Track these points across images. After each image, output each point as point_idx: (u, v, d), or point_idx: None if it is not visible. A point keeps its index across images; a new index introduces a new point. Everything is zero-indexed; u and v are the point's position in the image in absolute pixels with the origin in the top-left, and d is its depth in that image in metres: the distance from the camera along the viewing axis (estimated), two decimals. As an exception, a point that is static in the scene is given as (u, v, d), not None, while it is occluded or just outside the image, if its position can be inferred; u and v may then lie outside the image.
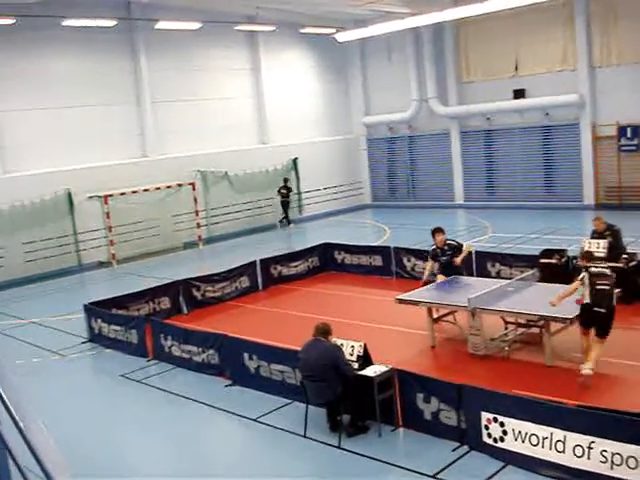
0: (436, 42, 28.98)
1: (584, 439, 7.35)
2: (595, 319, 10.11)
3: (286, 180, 28.61)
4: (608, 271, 10.37)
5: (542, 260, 14.91)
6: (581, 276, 10.27)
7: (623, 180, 25.22)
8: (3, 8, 20.46)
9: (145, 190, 24.09)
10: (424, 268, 14.46)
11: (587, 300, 10.13)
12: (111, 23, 23.07)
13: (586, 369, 9.86)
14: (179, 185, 25.20)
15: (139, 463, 9.09)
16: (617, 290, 10.47)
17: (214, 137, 27.07)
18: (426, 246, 19.08)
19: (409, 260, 17.55)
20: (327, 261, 19.33)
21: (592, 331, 10.29)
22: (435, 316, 12.45)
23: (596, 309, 10.03)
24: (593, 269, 10.28)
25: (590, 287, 10.14)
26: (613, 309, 10.14)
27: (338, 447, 8.76)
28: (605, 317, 10.06)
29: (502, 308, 11.29)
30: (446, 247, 13.82)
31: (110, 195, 23.22)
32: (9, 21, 20.83)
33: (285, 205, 28.47)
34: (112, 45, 24.51)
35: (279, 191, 28.33)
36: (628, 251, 14.50)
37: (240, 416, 10.05)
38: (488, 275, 15.71)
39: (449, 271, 13.76)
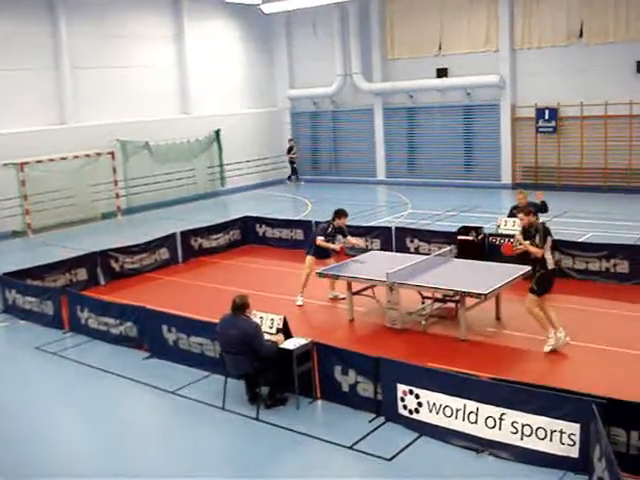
0: (362, 18, 29.00)
1: (496, 410, 7.61)
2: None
3: (291, 140, 31.78)
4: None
5: (460, 237, 15.23)
6: (549, 242, 10.42)
7: (540, 161, 25.90)
8: None
9: (63, 158, 23.45)
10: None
11: (553, 266, 10.57)
12: (28, -16, 22.29)
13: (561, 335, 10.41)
14: (98, 154, 24.63)
15: (52, 437, 8.94)
16: None
17: (135, 106, 26.49)
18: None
19: (331, 235, 17.62)
20: (248, 234, 19.28)
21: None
22: (354, 290, 12.57)
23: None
24: (550, 234, 10.50)
25: (551, 253, 10.58)
26: None
27: (256, 419, 8.82)
28: None
29: (419, 283, 11.50)
30: (339, 229, 13.79)
31: (26, 163, 22.52)
32: None
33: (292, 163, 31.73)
34: (30, 7, 23.63)
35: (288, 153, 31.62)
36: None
37: (158, 389, 10.00)
38: (407, 250, 15.97)
39: (325, 250, 13.64)
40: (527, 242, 10.36)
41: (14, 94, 23.15)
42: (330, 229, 13.69)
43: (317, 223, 17.84)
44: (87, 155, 24.30)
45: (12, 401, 9.98)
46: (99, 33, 25.41)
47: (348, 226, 15.94)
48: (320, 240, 13.47)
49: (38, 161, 22.83)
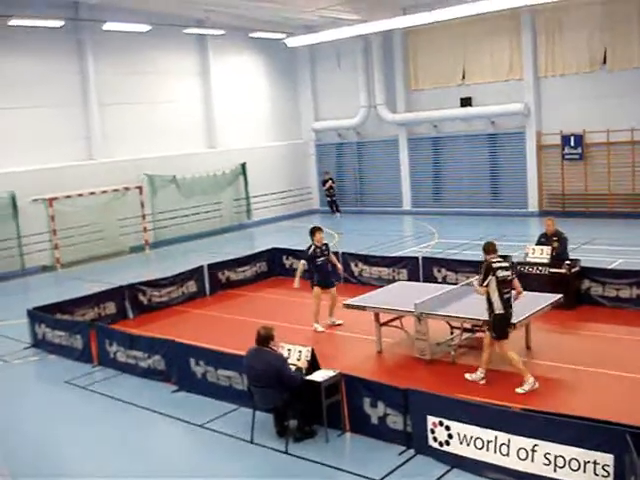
0: (385, 50, 29.24)
1: (528, 442, 7.48)
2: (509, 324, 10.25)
3: (327, 172, 31.27)
4: (510, 274, 10.17)
5: (487, 266, 15.11)
6: (487, 281, 10.04)
7: (566, 188, 25.76)
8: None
9: (91, 193, 23.75)
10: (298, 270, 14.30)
11: (500, 311, 10.07)
12: (58, 23, 22.72)
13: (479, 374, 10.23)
14: (126, 189, 24.90)
15: (83, 469, 8.93)
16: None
17: (162, 140, 26.81)
18: (374, 251, 19.28)
19: (357, 265, 17.62)
20: (275, 266, 19.28)
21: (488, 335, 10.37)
22: (382, 321, 12.51)
23: (511, 312, 10.16)
24: (500, 273, 10.02)
25: (499, 295, 10.05)
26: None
27: (285, 452, 8.75)
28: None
29: (448, 313, 11.42)
30: (324, 246, 14.15)
31: (55, 198, 22.82)
32: (-48, 19, 20.42)
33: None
34: (59, 46, 24.13)
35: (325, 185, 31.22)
36: (571, 257, 14.80)
37: (186, 422, 9.97)
38: (434, 280, 15.89)
39: (326, 275, 14.06)
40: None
41: (44, 130, 23.54)
42: (312, 250, 14.00)
43: (343, 255, 17.87)
44: (115, 190, 24.57)
45: (42, 435, 10.00)
46: (125, 70, 25.82)
47: (375, 256, 16.18)
48: (301, 264, 14.07)
49: (67, 196, 23.11)
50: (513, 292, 10.22)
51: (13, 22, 21.57)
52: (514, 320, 10.44)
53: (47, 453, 9.40)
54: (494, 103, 26.56)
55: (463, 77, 27.61)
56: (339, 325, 14.02)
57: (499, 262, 10.11)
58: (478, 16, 24.40)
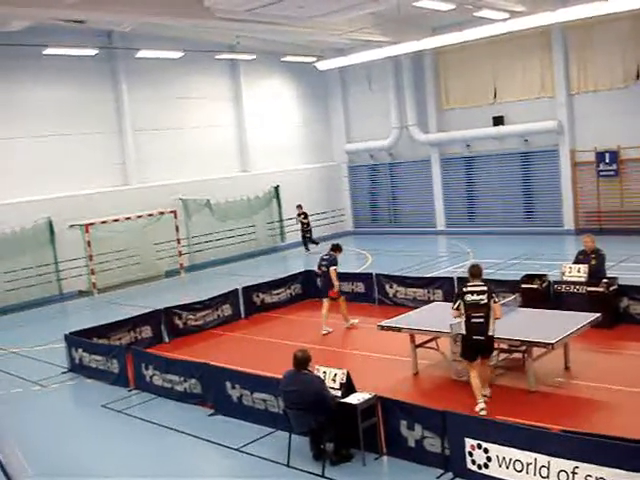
0: (416, 70, 29.30)
1: (568, 464, 7.33)
2: (478, 347, 10.06)
3: (300, 206, 28.94)
4: (484, 298, 9.95)
5: (523, 285, 14.97)
6: (456, 304, 10.15)
7: (602, 205, 25.47)
8: (-17, 37, 20.50)
9: (127, 218, 24.03)
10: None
11: (462, 331, 10.15)
12: (92, 52, 23.14)
13: (481, 404, 9.91)
14: (161, 213, 25.15)
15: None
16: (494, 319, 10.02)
17: (195, 165, 27.09)
18: (408, 272, 19.20)
19: (391, 287, 17.54)
20: (309, 288, 19.25)
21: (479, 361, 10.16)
22: (417, 342, 12.43)
23: (475, 337, 9.97)
24: (468, 297, 10.00)
25: (465, 318, 10.05)
26: (492, 336, 10.03)
27: (322, 476, 8.69)
28: (486, 342, 10.04)
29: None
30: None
31: (91, 224, 23.12)
32: (-10, 50, 20.88)
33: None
34: (93, 74, 24.56)
35: (302, 220, 28.83)
36: (608, 275, 14.59)
37: (223, 446, 9.96)
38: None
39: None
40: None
41: (80, 157, 23.92)
42: (337, 260, 15.69)
43: (377, 276, 17.81)
44: (150, 214, 24.83)
45: (80, 459, 10.04)
46: (159, 96, 26.19)
47: (410, 277, 16.50)
48: (334, 269, 15.42)
49: (103, 222, 23.40)
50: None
51: (48, 51, 22.00)
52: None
53: (84, 476, 9.44)
54: (526, 121, 26.41)
55: (495, 96, 27.54)
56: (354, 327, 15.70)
57: (473, 287, 10.08)
58: (508, 34, 24.33)
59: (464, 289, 10.16)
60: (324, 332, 15.39)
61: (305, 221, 28.56)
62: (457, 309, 10.14)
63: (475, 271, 10.29)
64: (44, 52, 21.97)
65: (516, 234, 26.79)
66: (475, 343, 10.01)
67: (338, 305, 15.77)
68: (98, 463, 9.91)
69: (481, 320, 9.90)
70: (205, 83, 28.00)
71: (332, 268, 15.46)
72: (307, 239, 28.50)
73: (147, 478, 9.43)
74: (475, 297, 9.97)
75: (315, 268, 16.60)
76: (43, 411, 12.33)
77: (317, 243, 28.10)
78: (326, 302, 15.71)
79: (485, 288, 10.03)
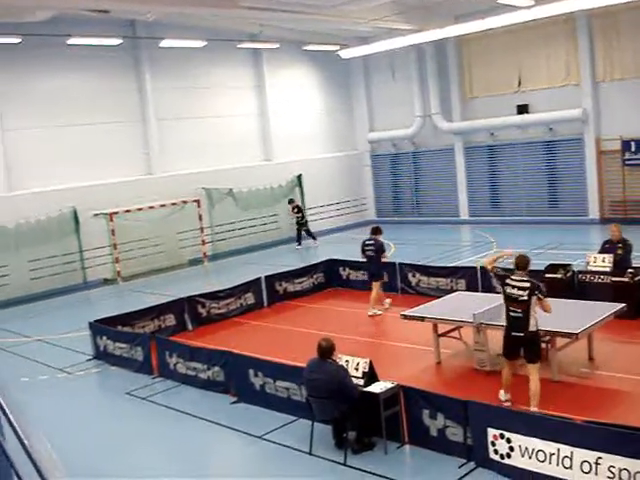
0: (439, 58, 29.13)
1: (591, 455, 7.30)
2: (518, 344, 9.61)
3: (291, 201, 28.16)
4: (524, 295, 9.44)
5: (547, 275, 14.87)
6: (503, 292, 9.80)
7: (628, 194, 25.21)
8: (9, 27, 20.65)
9: (150, 207, 24.16)
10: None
11: (505, 323, 9.80)
12: (116, 42, 23.22)
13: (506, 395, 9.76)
14: (184, 202, 25.27)
15: (143, 479, 9.06)
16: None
17: (218, 154, 27.15)
18: (431, 261, 19.16)
19: (414, 276, 17.51)
20: (332, 277, 19.29)
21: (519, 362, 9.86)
22: (440, 332, 12.41)
23: (514, 334, 9.55)
24: (508, 289, 9.61)
25: (505, 309, 9.74)
26: (533, 334, 9.50)
27: (344, 464, 8.72)
28: (527, 340, 9.51)
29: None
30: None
31: (115, 212, 23.28)
32: (15, 40, 21.01)
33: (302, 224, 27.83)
34: (117, 63, 24.68)
35: (295, 213, 27.82)
36: (634, 265, 14.46)
37: (245, 433, 10.02)
38: (493, 290, 15.62)
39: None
40: None
41: (104, 147, 24.07)
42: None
43: (400, 265, 17.78)
44: (173, 204, 24.95)
45: (103, 446, 10.15)
46: (182, 86, 26.26)
47: (433, 266, 16.60)
48: (386, 255, 16.06)
49: (127, 210, 23.56)
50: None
51: (72, 41, 22.10)
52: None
53: (107, 462, 9.54)
54: (551, 109, 26.17)
55: (519, 84, 27.30)
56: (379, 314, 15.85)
57: (515, 280, 9.60)
58: (532, 22, 24.06)
59: (507, 279, 9.72)
60: (370, 313, 15.77)
61: (299, 215, 27.66)
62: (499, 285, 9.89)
63: (519, 263, 9.79)
64: (68, 42, 22.07)
65: (540, 223, 26.62)
66: (514, 340, 9.55)
67: (378, 286, 16.20)
68: (121, 449, 10.01)
69: (519, 314, 9.45)
70: (228, 72, 28.03)
71: (385, 254, 16.19)
72: (305, 232, 27.59)
73: (171, 465, 9.52)
74: (515, 291, 9.51)
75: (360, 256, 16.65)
76: (69, 398, 12.48)
77: (315, 238, 27.60)
78: (375, 285, 16.04)
79: (527, 284, 9.46)
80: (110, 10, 20.85)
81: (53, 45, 22.30)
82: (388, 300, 16.37)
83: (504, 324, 9.81)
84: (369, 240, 16.14)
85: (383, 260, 16.14)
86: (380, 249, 15.99)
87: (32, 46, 21.84)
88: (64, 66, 23.36)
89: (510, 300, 9.55)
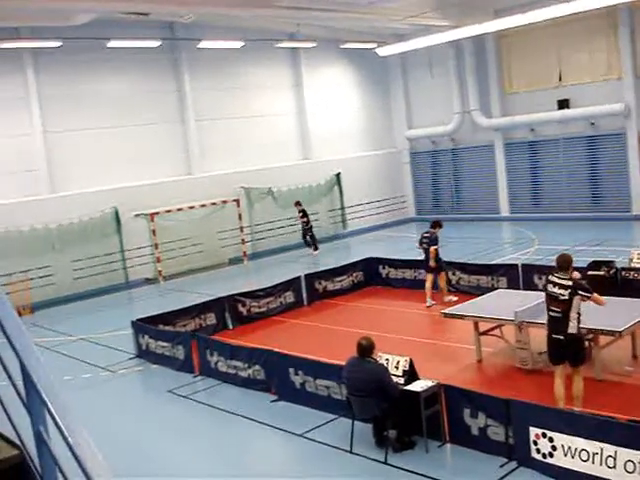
0: (478, 54, 28.89)
1: (636, 454, 7.19)
2: (559, 348, 9.22)
3: (298, 203, 26.37)
4: (565, 294, 9.04)
5: (590, 272, 14.65)
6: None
7: (672, 189, 24.77)
8: (50, 31, 20.97)
9: (190, 207, 24.37)
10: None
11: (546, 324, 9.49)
12: (155, 44, 23.46)
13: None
14: (224, 202, 25.43)
15: (184, 477, 9.12)
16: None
17: (257, 154, 27.27)
18: (472, 259, 19.03)
19: (454, 274, 17.39)
20: (371, 276, 19.27)
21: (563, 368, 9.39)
22: (481, 330, 12.32)
23: (554, 336, 9.18)
24: (549, 287, 9.27)
25: (546, 309, 9.40)
26: (574, 336, 9.08)
27: (385, 463, 8.71)
28: (568, 343, 9.11)
29: (549, 321, 11.11)
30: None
31: (156, 213, 23.53)
32: (56, 44, 21.34)
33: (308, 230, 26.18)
34: (156, 65, 24.94)
35: (302, 217, 26.15)
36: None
37: (286, 431, 10.06)
38: (535, 288, 15.49)
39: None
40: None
41: (144, 148, 24.36)
42: (437, 237, 16.31)
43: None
44: (213, 203, 25.12)
45: (146, 444, 10.28)
46: (220, 86, 26.43)
47: (473, 264, 16.58)
48: (434, 249, 15.99)
49: (167, 211, 23.79)
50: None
51: (112, 44, 22.38)
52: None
53: (148, 460, 9.65)
54: (593, 104, 25.79)
55: (559, 78, 26.97)
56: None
57: (556, 278, 9.24)
58: (573, 16, 23.74)
59: (549, 277, 9.44)
60: (428, 305, 16.05)
61: (304, 219, 25.98)
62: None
63: (560, 261, 9.43)
64: (108, 45, 22.35)
65: (582, 220, 26.24)
66: (555, 342, 9.21)
67: (441, 279, 16.56)
68: (162, 447, 10.12)
69: (558, 315, 9.11)
70: (266, 72, 28.12)
71: (432, 248, 16.11)
72: (311, 238, 25.92)
73: (212, 463, 9.59)
74: (555, 290, 9.16)
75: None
76: (111, 396, 12.65)
77: (317, 248, 25.79)
78: (429, 276, 16.36)
79: (569, 283, 9.10)
80: (149, 13, 21.06)
81: (93, 48, 22.60)
82: (450, 297, 16.22)
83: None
84: (426, 233, 16.52)
85: (432, 254, 16.19)
86: (432, 242, 16.18)
87: (73, 50, 22.18)
88: (104, 69, 23.67)
89: (551, 299, 9.26)
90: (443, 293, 16.40)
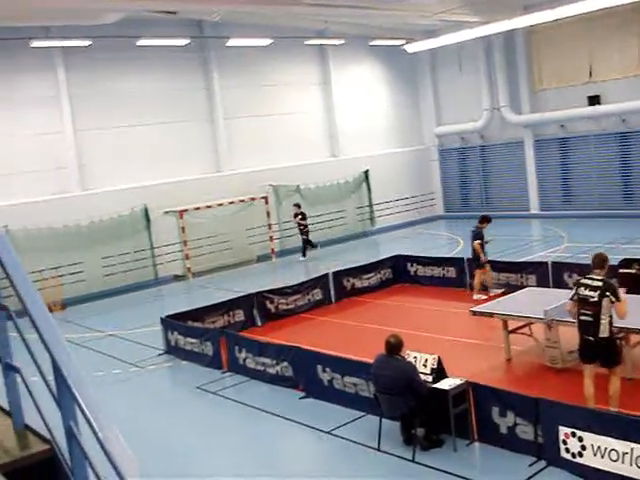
0: (507, 50, 28.67)
1: (667, 455, 7.13)
2: (590, 349, 9.10)
3: (297, 205, 25.66)
4: (594, 295, 8.88)
5: (621, 270, 14.47)
6: (572, 295, 9.33)
7: None
8: (80, 30, 21.18)
9: (219, 205, 24.48)
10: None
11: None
12: (184, 42, 23.58)
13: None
14: (252, 199, 25.51)
15: (211, 473, 9.18)
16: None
17: (285, 151, 27.31)
18: (501, 256, 18.89)
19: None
20: (400, 273, 19.21)
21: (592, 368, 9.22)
22: (510, 328, 12.24)
23: (586, 337, 9.05)
24: (581, 290, 9.09)
25: (577, 313, 9.23)
26: (606, 339, 8.91)
27: (412, 461, 8.69)
28: (599, 346, 8.96)
29: (579, 319, 11.01)
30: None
31: (185, 210, 23.67)
32: (86, 43, 21.53)
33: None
34: (185, 63, 25.07)
35: (298, 220, 25.28)
36: None
37: (313, 428, 10.08)
38: (565, 286, 15.34)
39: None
40: None
41: (173, 146, 24.50)
42: (481, 232, 16.48)
43: (469, 261, 17.65)
44: (242, 201, 25.22)
45: (175, 439, 10.35)
46: (249, 84, 26.50)
47: (502, 262, 16.58)
48: (477, 243, 16.18)
49: (196, 208, 23.92)
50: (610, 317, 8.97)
51: (141, 42, 22.55)
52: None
53: (177, 455, 9.72)
54: (624, 100, 25.46)
55: (590, 74, 26.66)
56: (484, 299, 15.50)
57: (588, 279, 9.10)
58: (604, 10, 23.46)
59: (581, 280, 9.27)
60: (476, 297, 16.03)
61: (303, 222, 25.17)
62: (572, 299, 9.31)
63: (595, 261, 9.23)
64: (137, 43, 22.52)
65: (614, 217, 25.93)
66: (587, 343, 9.09)
67: (477, 276, 16.59)
68: (191, 443, 10.16)
69: (589, 318, 8.96)
70: (294, 69, 28.15)
71: (475, 242, 16.35)
72: (304, 242, 25.12)
73: (240, 459, 9.63)
74: (586, 292, 8.99)
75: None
76: (141, 392, 12.77)
77: (316, 247, 25.24)
78: (477, 272, 16.51)
79: (600, 284, 8.91)
80: (178, 11, 21.18)
81: (123, 47, 22.78)
82: (481, 296, 16.16)
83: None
84: (473, 227, 16.83)
85: (475, 248, 16.38)
86: (474, 237, 16.40)
87: (103, 48, 22.37)
88: (134, 67, 23.86)
89: (581, 302, 9.10)
90: (475, 290, 16.41)
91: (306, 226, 25.23)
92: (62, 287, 21.10)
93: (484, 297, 15.85)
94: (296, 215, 25.24)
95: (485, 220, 16.77)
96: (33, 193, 21.48)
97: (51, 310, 18.70)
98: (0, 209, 20.36)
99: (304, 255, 25.01)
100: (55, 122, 22.33)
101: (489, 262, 16.64)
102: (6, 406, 4.27)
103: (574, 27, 26.23)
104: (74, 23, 20.91)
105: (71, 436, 3.32)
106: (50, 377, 3.47)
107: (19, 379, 4.12)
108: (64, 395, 3.32)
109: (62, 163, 22.35)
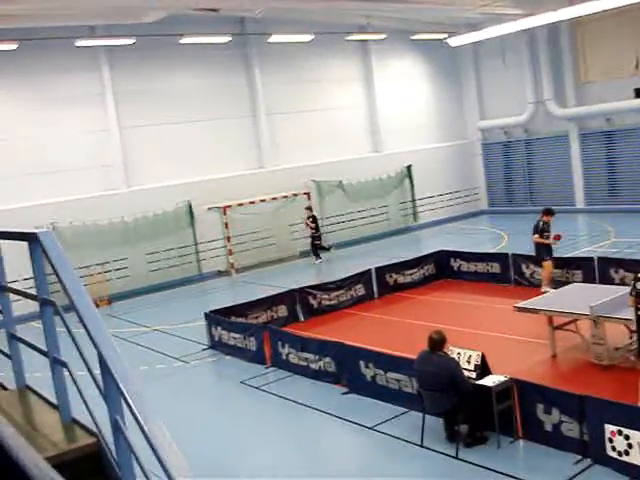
0: (552, 43, 28.26)
1: None
2: None
3: (309, 209, 25.09)
4: None
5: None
6: (632, 290, 9.15)
7: None
8: (123, 29, 21.45)
9: (262, 200, 24.59)
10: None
11: (634, 327, 9.20)
12: (226, 39, 23.70)
13: None
14: (294, 195, 25.57)
15: (255, 468, 9.25)
16: None
17: (328, 146, 27.31)
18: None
19: (528, 267, 17.13)
20: (443, 269, 19.10)
21: None
22: (556, 324, 12.10)
23: None
24: (639, 285, 8.96)
25: (634, 309, 9.07)
26: None
27: (456, 457, 8.65)
28: None
29: (626, 316, 10.81)
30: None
31: (229, 206, 23.83)
32: (130, 41, 21.77)
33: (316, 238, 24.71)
34: (227, 60, 25.21)
35: (309, 223, 24.66)
36: None
37: (356, 424, 10.08)
38: (611, 282, 15.12)
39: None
40: None
41: (216, 142, 24.67)
42: (541, 225, 16.08)
43: (513, 256, 17.50)
44: (284, 196, 25.30)
45: (219, 433, 10.44)
46: (291, 80, 26.54)
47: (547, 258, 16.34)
48: (535, 237, 15.96)
49: (239, 204, 24.06)
50: None
51: (184, 40, 22.71)
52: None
53: (221, 449, 9.81)
54: (673, 92, 24.96)
55: (637, 66, 26.16)
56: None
57: None
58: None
59: (638, 274, 9.16)
60: (543, 290, 15.50)
61: (313, 225, 24.52)
62: (630, 294, 9.21)
63: None
64: (180, 41, 22.69)
65: (661, 211, 25.47)
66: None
67: (543, 270, 16.26)
68: (235, 438, 10.25)
69: None
70: (336, 65, 28.12)
71: (534, 236, 16.14)
72: (317, 246, 24.53)
73: (283, 454, 9.68)
74: None
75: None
76: (185, 386, 12.90)
77: (329, 249, 24.79)
78: (545, 264, 16.13)
79: None
80: (220, 9, 21.30)
81: (166, 45, 22.99)
82: (548, 289, 15.67)
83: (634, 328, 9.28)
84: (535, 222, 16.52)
85: (536, 241, 16.15)
86: (534, 230, 16.19)
87: (146, 46, 22.58)
88: (177, 65, 24.06)
89: (638, 296, 8.98)
90: (543, 283, 16.05)
91: (317, 229, 24.67)
92: (108, 282, 21.42)
93: (548, 290, 15.27)
94: (308, 218, 24.64)
95: (546, 213, 16.41)
96: (79, 190, 21.84)
97: (97, 305, 19.00)
98: (47, 206, 20.78)
99: (319, 257, 24.34)
100: (101, 120, 22.65)
101: (552, 259, 16.17)
102: (54, 400, 4.36)
103: (620, 18, 25.73)
104: (118, 22, 21.21)
105: (117, 430, 3.38)
106: (97, 371, 3.53)
107: (66, 373, 4.20)
108: (110, 389, 3.37)
109: (108, 160, 22.66)
